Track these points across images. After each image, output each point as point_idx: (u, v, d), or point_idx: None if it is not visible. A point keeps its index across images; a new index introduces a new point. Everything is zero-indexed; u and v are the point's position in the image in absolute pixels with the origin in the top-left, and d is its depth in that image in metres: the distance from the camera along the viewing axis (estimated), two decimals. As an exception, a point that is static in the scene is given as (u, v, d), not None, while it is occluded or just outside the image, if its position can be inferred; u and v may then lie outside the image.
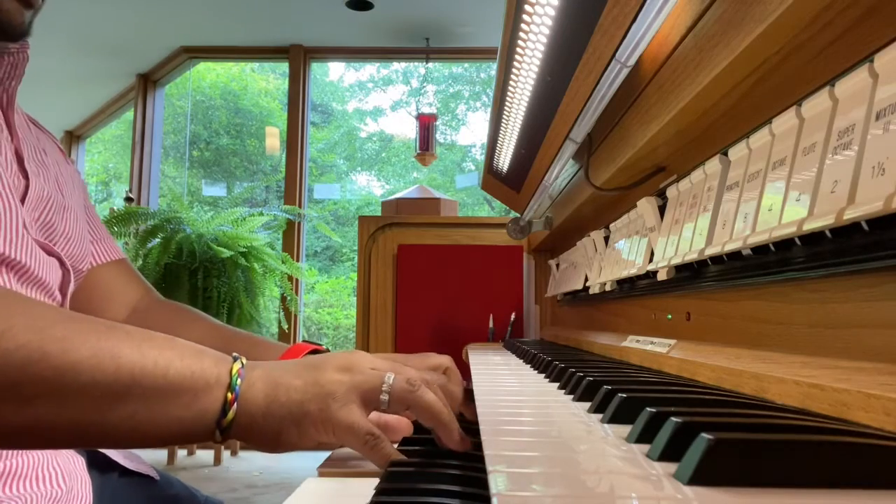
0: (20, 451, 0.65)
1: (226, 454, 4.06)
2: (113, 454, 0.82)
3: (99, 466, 0.81)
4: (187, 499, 0.90)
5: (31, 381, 0.47)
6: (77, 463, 0.73)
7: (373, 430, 0.55)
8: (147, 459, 0.92)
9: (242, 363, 0.55)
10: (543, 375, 0.86)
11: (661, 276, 0.85)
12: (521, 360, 1.15)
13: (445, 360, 0.77)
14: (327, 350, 0.85)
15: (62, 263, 0.78)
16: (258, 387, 0.54)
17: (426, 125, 4.58)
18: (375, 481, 0.51)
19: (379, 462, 0.55)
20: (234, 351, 0.85)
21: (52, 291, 0.76)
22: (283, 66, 5.28)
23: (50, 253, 0.76)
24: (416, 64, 8.29)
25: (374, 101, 12.16)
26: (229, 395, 0.53)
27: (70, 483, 0.69)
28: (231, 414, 0.52)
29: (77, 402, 0.48)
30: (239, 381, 0.54)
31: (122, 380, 0.49)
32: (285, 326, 4.37)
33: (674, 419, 0.38)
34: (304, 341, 0.86)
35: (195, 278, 3.87)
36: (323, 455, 0.68)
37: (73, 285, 0.83)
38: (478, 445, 0.54)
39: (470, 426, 0.72)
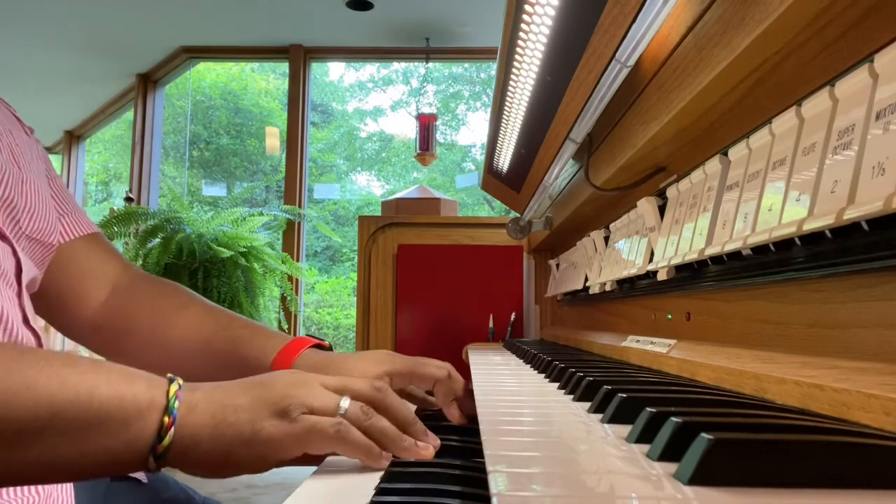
0: None
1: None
2: None
3: None
4: (185, 500, 0.87)
5: None
6: None
7: (339, 421, 0.52)
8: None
9: (179, 384, 0.52)
10: (543, 375, 0.86)
11: (661, 276, 0.85)
12: (521, 360, 1.15)
13: (444, 367, 0.76)
14: (330, 346, 0.84)
15: (13, 250, 0.72)
16: (202, 407, 0.51)
17: (426, 125, 4.58)
18: (376, 481, 0.51)
19: (356, 452, 0.53)
20: (233, 337, 0.82)
21: (9, 279, 0.70)
22: (283, 66, 5.28)
23: (2, 237, 0.70)
24: (415, 64, 8.30)
25: (374, 101, 12.16)
26: (166, 418, 0.49)
27: (48, 488, 0.65)
28: (167, 439, 0.49)
29: None
30: (177, 403, 0.50)
31: (42, 413, 0.45)
32: (285, 326, 4.37)
33: (674, 419, 0.38)
34: (307, 335, 0.84)
35: (195, 278, 3.87)
36: (322, 456, 0.68)
37: (38, 266, 0.77)
38: (478, 445, 0.54)
39: (469, 426, 0.72)
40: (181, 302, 0.89)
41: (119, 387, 0.49)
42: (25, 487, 0.63)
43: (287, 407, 0.52)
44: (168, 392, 0.50)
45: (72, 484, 0.70)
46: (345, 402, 0.54)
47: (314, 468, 0.60)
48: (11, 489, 0.62)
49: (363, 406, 0.55)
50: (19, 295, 0.72)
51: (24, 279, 0.74)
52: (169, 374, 0.53)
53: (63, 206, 0.88)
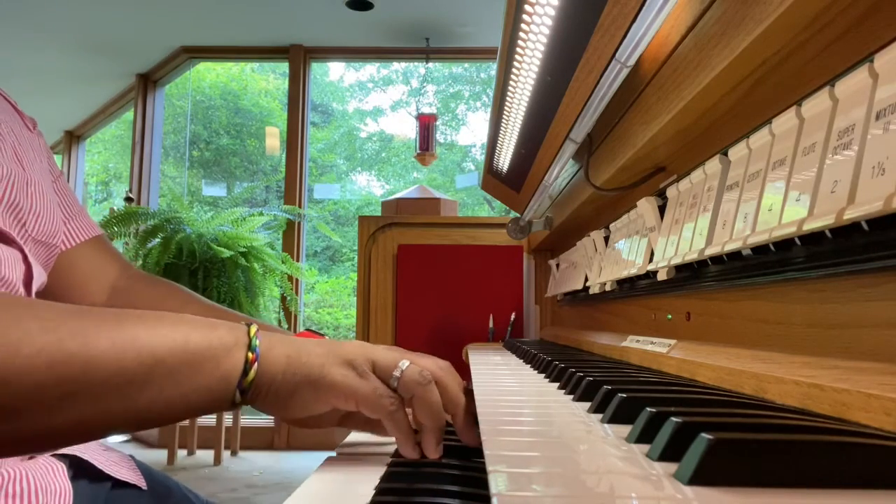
0: None
1: (226, 454, 4.06)
2: (102, 464, 0.77)
3: (89, 478, 0.76)
4: None
5: (58, 382, 0.46)
6: (56, 472, 0.68)
7: (394, 396, 0.56)
8: (146, 459, 0.90)
9: (257, 327, 0.56)
10: (543, 375, 0.86)
11: (661, 276, 0.85)
12: (521, 360, 1.15)
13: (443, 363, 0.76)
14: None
15: (24, 256, 0.73)
16: (279, 349, 0.55)
17: (426, 125, 4.58)
18: (376, 481, 0.51)
19: (397, 432, 0.56)
20: None
21: (14, 286, 0.71)
22: (283, 66, 5.28)
23: (10, 241, 0.71)
24: (416, 64, 8.30)
25: (374, 101, 12.16)
26: (250, 354, 0.54)
27: (45, 499, 0.65)
28: (252, 374, 0.53)
29: (106, 392, 0.48)
30: (258, 341, 0.55)
31: (146, 362, 0.50)
32: (285, 326, 4.37)
33: (674, 419, 0.38)
34: (308, 329, 0.85)
35: (195, 278, 3.87)
36: (323, 455, 0.68)
37: (44, 268, 0.77)
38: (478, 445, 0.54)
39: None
40: (181, 301, 0.91)
41: (206, 332, 0.54)
42: (22, 499, 0.62)
43: (353, 360, 0.57)
44: (249, 332, 0.55)
45: (71, 488, 0.69)
46: (404, 363, 0.58)
47: (314, 467, 0.60)
48: (8, 499, 0.62)
49: (423, 370, 0.59)
50: None
51: (35, 286, 0.75)
52: (244, 321, 0.58)
53: (68, 210, 0.89)
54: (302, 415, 0.57)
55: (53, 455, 0.72)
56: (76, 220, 0.90)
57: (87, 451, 0.77)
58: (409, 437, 0.57)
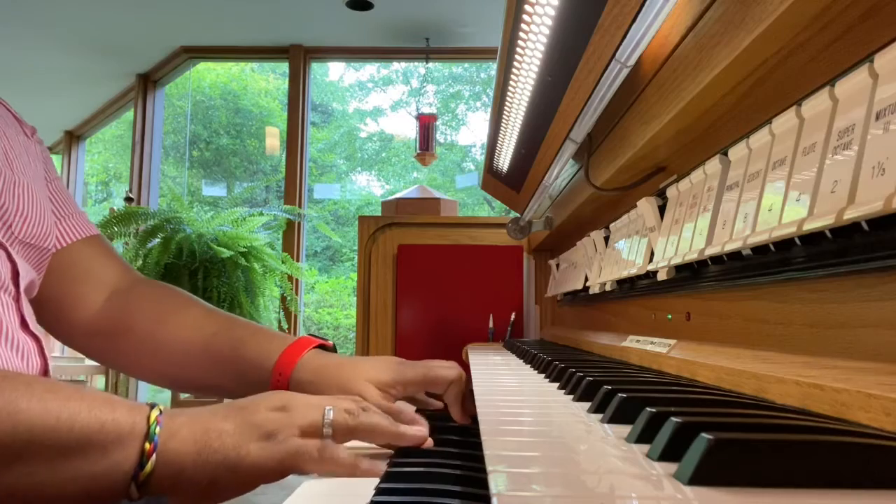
0: None
1: (226, 454, 4.06)
2: None
3: None
4: None
5: None
6: None
7: (324, 443, 0.52)
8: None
9: (160, 410, 0.51)
10: (543, 375, 0.86)
11: (661, 276, 0.85)
12: (521, 360, 1.15)
13: (454, 367, 0.76)
14: (334, 346, 0.82)
15: (8, 254, 0.71)
16: (184, 433, 0.50)
17: (426, 125, 4.58)
18: (376, 481, 0.50)
19: (346, 471, 0.53)
20: (234, 339, 0.81)
21: (5, 283, 0.69)
22: (283, 66, 5.28)
23: None
24: (416, 64, 8.30)
25: (374, 101, 12.16)
26: (147, 445, 0.48)
27: None
28: (149, 466, 0.48)
29: None
30: (158, 429, 0.49)
31: (20, 438, 0.45)
32: (285, 326, 4.37)
33: (674, 419, 0.38)
34: (309, 335, 0.83)
35: (195, 278, 3.87)
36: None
37: (35, 270, 0.76)
38: (478, 446, 0.54)
39: (470, 426, 0.72)
40: (181, 304, 0.88)
41: (100, 413, 0.48)
42: None
43: (273, 430, 0.51)
44: (149, 417, 0.49)
45: None
46: (329, 413, 0.54)
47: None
48: None
49: (347, 408, 0.55)
50: (17, 299, 0.71)
51: (22, 283, 0.73)
52: (150, 402, 0.52)
53: (62, 209, 0.87)
54: (227, 500, 0.51)
55: None
56: (71, 220, 0.88)
57: None
58: (355, 469, 0.53)
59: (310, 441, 0.52)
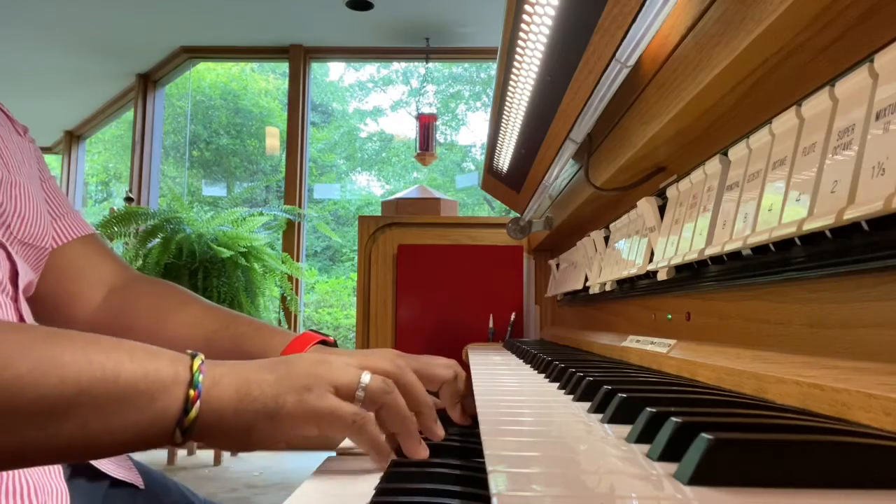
0: None
1: (226, 454, 4.06)
2: (100, 463, 0.76)
3: (86, 476, 0.75)
4: None
5: None
6: (53, 472, 0.67)
7: (358, 411, 0.53)
8: (145, 460, 0.89)
9: (202, 359, 0.52)
10: (543, 375, 0.86)
11: (661, 276, 0.85)
12: (521, 360, 1.15)
13: (452, 366, 0.76)
14: (335, 342, 0.82)
15: (8, 255, 0.71)
16: (226, 382, 0.52)
17: (426, 125, 4.58)
18: (376, 481, 0.51)
19: (368, 445, 0.54)
20: (236, 335, 0.81)
21: (2, 283, 0.69)
22: (283, 66, 5.28)
23: None
24: (416, 64, 8.30)
25: (374, 101, 12.17)
26: (191, 392, 0.50)
27: (43, 497, 0.64)
28: (193, 412, 0.49)
29: (22, 420, 0.45)
30: (201, 376, 0.51)
31: (68, 391, 0.46)
32: (285, 326, 4.37)
33: (674, 419, 0.38)
34: (310, 330, 0.83)
35: (195, 278, 3.87)
36: (323, 455, 0.68)
37: (33, 269, 0.76)
38: (478, 445, 0.54)
39: (470, 426, 0.72)
40: (181, 300, 0.88)
41: (143, 362, 0.50)
42: (20, 497, 0.61)
43: (310, 384, 0.53)
44: (192, 366, 0.51)
45: (67, 489, 0.68)
46: (366, 377, 0.55)
47: (314, 467, 0.60)
48: (6, 497, 0.61)
49: (385, 378, 0.57)
50: (15, 299, 0.71)
51: (21, 283, 0.73)
52: (190, 350, 0.54)
53: (57, 209, 0.87)
54: (263, 448, 0.53)
55: None
56: (66, 219, 0.88)
57: None
58: (380, 450, 0.55)
59: (348, 406, 0.53)
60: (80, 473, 0.75)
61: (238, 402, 0.51)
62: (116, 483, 0.79)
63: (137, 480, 0.82)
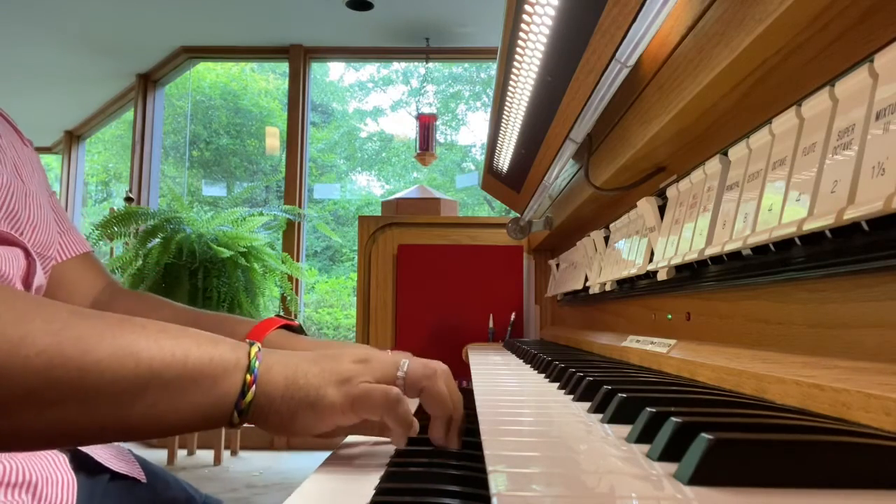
0: None
1: (226, 454, 4.06)
2: (101, 457, 0.78)
3: (88, 470, 0.77)
4: (185, 499, 0.87)
5: (53, 386, 0.46)
6: (59, 463, 0.69)
7: (394, 389, 0.57)
8: (146, 457, 0.90)
9: (259, 347, 0.57)
10: (543, 375, 0.86)
11: (661, 276, 0.85)
12: (521, 360, 1.15)
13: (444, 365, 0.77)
14: (300, 327, 0.86)
15: (27, 253, 0.74)
16: (276, 370, 0.56)
17: (426, 125, 4.58)
18: (376, 481, 0.51)
19: (396, 423, 0.57)
20: (201, 329, 0.84)
21: (12, 282, 0.72)
22: (283, 66, 5.28)
23: (11, 243, 0.72)
24: (416, 64, 8.30)
25: (374, 101, 12.17)
26: (248, 377, 0.54)
27: (49, 488, 0.66)
28: (250, 395, 0.54)
29: (99, 400, 0.48)
30: (257, 363, 0.55)
31: (143, 374, 0.50)
32: (285, 326, 4.36)
33: (674, 419, 0.38)
34: (276, 315, 0.85)
35: (195, 278, 3.87)
36: (323, 456, 0.68)
37: (40, 275, 0.79)
38: (477, 445, 0.54)
39: (469, 426, 0.72)
40: (152, 306, 0.93)
41: (208, 349, 0.54)
42: (26, 490, 0.63)
43: (350, 377, 0.57)
44: (250, 353, 0.55)
45: (75, 480, 0.70)
46: (405, 363, 0.59)
47: (314, 467, 0.60)
48: (13, 490, 0.62)
49: (426, 364, 0.60)
50: None
51: (34, 284, 0.76)
52: (248, 339, 0.58)
53: (62, 224, 0.92)
54: (306, 435, 0.57)
55: None
56: (69, 235, 0.93)
57: (84, 448, 0.77)
58: (408, 428, 0.58)
59: (379, 385, 0.57)
60: (82, 467, 0.76)
61: (285, 389, 0.55)
62: (117, 476, 0.80)
63: (139, 474, 0.84)
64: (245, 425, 0.56)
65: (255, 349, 0.56)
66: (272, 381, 0.55)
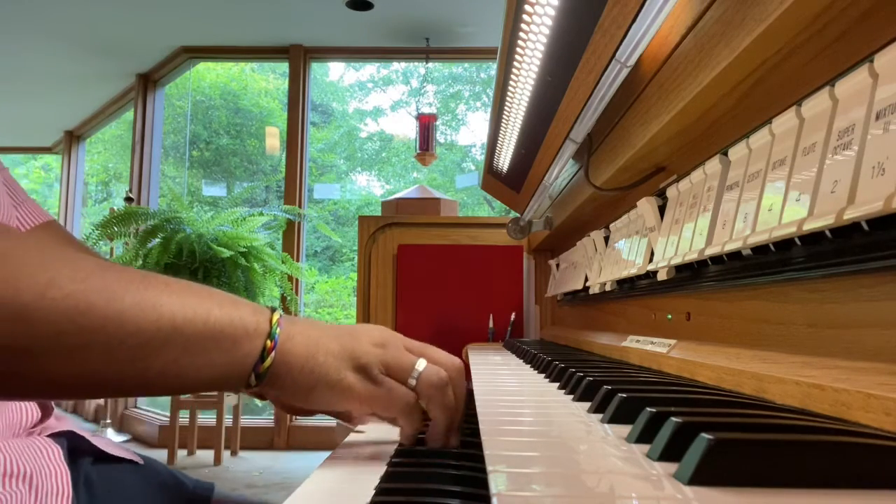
0: None
1: (226, 454, 4.06)
2: (96, 442, 0.78)
3: (82, 455, 0.77)
4: (174, 486, 0.87)
5: (78, 331, 0.47)
6: (52, 454, 0.69)
7: (411, 395, 0.58)
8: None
9: (280, 314, 0.57)
10: (543, 375, 0.86)
11: (661, 276, 0.85)
12: (521, 360, 1.15)
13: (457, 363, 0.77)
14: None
15: None
16: (298, 340, 0.56)
17: (426, 125, 4.58)
18: (376, 480, 0.51)
19: (410, 425, 0.58)
20: None
21: None
22: (283, 66, 5.28)
23: None
24: (416, 64, 8.29)
25: (374, 101, 12.16)
26: (268, 342, 0.54)
27: (38, 481, 0.65)
28: (269, 361, 0.54)
29: (121, 350, 0.49)
30: (278, 329, 0.55)
31: (164, 328, 0.50)
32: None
33: (674, 419, 0.38)
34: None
35: (195, 278, 3.86)
36: (322, 456, 0.68)
37: None
38: (477, 445, 0.54)
39: (469, 426, 0.72)
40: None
41: (229, 310, 0.54)
42: (21, 481, 0.63)
43: (367, 364, 0.57)
44: (271, 319, 0.56)
45: (68, 470, 0.70)
46: (421, 364, 0.59)
47: (314, 467, 0.60)
48: (6, 476, 0.62)
49: (440, 370, 0.60)
50: None
51: None
52: (271, 305, 0.58)
53: (16, 196, 0.88)
54: (321, 410, 0.59)
55: (49, 436, 0.72)
56: (25, 206, 0.89)
57: (81, 432, 0.78)
58: (417, 431, 0.59)
59: (402, 391, 0.58)
60: (79, 452, 0.76)
61: (305, 361, 0.56)
62: (106, 459, 0.81)
63: (133, 456, 0.84)
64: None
65: (276, 315, 0.56)
66: (293, 352, 0.56)
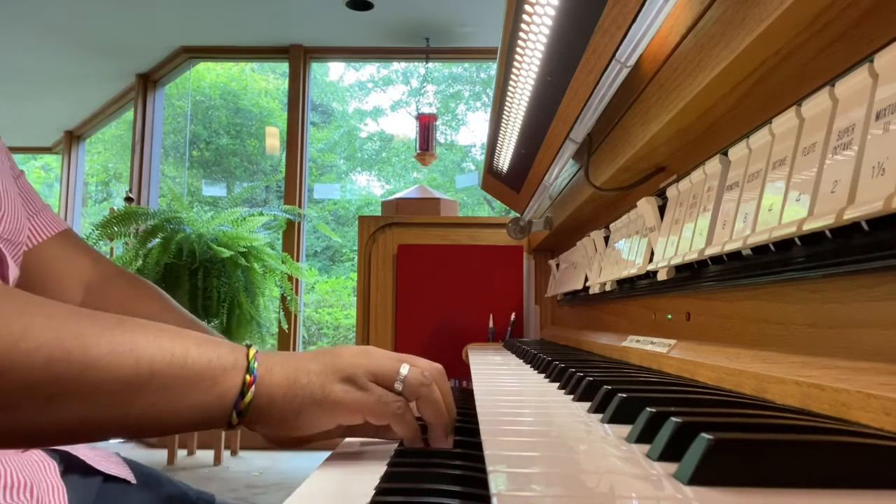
0: None
1: (226, 454, 4.06)
2: (92, 459, 0.78)
3: (79, 472, 0.76)
4: (179, 497, 0.87)
5: (54, 381, 0.47)
6: (48, 469, 0.69)
7: (401, 401, 0.58)
8: (146, 461, 0.90)
9: (256, 349, 0.57)
10: (543, 375, 0.86)
11: (661, 276, 0.85)
12: (521, 360, 1.15)
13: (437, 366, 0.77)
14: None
15: None
16: (276, 371, 0.56)
17: (426, 125, 4.58)
18: (376, 480, 0.50)
19: (406, 430, 0.58)
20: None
21: None
22: (283, 66, 5.28)
23: None
24: (416, 64, 8.29)
25: (374, 101, 12.16)
26: (248, 377, 0.54)
27: (38, 493, 0.65)
28: (249, 396, 0.54)
29: (99, 397, 0.49)
30: (256, 363, 0.55)
31: (142, 372, 0.50)
32: (285, 326, 4.36)
33: (674, 419, 0.38)
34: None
35: (195, 278, 3.87)
36: (322, 456, 0.68)
37: (13, 265, 0.76)
38: (477, 445, 0.54)
39: (469, 426, 0.72)
40: (157, 308, 0.91)
41: (206, 349, 0.54)
42: (16, 494, 0.63)
43: (353, 374, 0.58)
44: (248, 355, 0.56)
45: (63, 486, 0.69)
46: (404, 369, 0.60)
47: (314, 467, 0.60)
48: (4, 488, 0.62)
49: (423, 371, 0.60)
50: None
51: (11, 279, 0.73)
52: (246, 342, 0.59)
53: (31, 206, 0.87)
54: (310, 432, 0.58)
55: (45, 451, 0.72)
56: (40, 217, 0.88)
57: (75, 448, 0.78)
58: (417, 435, 0.59)
59: (392, 396, 0.58)
60: (74, 470, 0.76)
61: (287, 388, 0.56)
62: (109, 478, 0.80)
63: (129, 476, 0.83)
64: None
65: (252, 350, 0.56)
66: (273, 382, 0.55)
